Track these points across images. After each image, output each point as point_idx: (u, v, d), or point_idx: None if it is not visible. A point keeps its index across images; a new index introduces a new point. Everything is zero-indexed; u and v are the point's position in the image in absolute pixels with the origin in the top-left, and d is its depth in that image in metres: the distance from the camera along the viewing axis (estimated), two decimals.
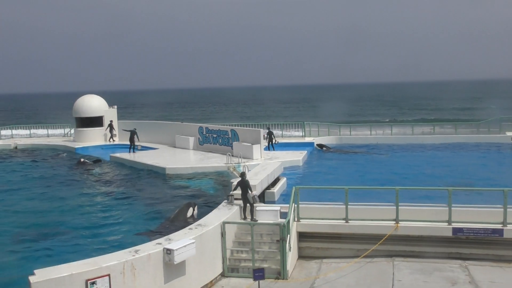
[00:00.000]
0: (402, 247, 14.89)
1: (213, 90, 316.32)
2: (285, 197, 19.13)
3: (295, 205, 15.31)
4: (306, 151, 30.33)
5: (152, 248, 11.64)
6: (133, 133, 33.21)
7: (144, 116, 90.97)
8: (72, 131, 41.74)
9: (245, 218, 15.51)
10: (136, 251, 11.38)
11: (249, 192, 15.33)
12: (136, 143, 33.22)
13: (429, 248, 14.76)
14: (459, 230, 14.45)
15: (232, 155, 27.02)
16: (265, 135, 30.96)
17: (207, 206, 17.95)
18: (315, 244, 15.57)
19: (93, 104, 39.50)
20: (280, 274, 13.73)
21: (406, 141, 36.23)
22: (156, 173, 26.26)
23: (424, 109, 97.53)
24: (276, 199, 19.28)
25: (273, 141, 32.00)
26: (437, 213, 14.88)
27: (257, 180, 17.73)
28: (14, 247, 15.43)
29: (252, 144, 27.50)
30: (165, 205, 19.65)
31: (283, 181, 21.31)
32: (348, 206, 15.09)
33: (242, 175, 15.94)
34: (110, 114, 39.52)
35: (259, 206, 15.88)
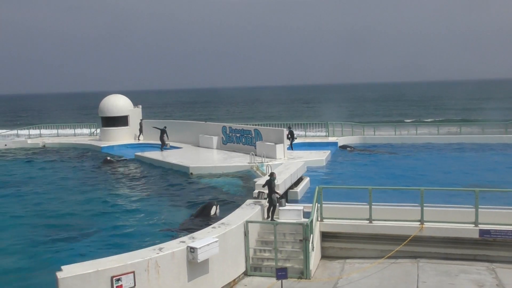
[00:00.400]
0: (427, 249, 14.68)
1: (217, 90, 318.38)
2: (308, 197, 19.07)
3: (318, 205, 15.25)
4: (329, 151, 30.16)
5: (176, 246, 11.74)
6: (163, 132, 33.59)
7: (168, 116, 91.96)
8: (98, 130, 42.45)
9: (267, 217, 15.53)
10: (160, 249, 11.49)
11: (274, 193, 15.32)
12: (166, 142, 33.59)
13: (455, 250, 14.52)
14: (486, 232, 14.16)
15: (255, 155, 27.05)
16: (288, 135, 30.95)
17: (230, 205, 18.02)
18: (338, 244, 15.48)
19: (118, 103, 40.07)
20: (303, 273, 13.68)
21: (431, 141, 35.71)
22: (180, 172, 26.48)
23: (450, 109, 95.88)
24: (299, 198, 19.25)
25: (293, 140, 31.87)
26: (463, 214, 14.62)
27: (280, 180, 17.71)
28: (41, 244, 15.78)
29: (276, 143, 27.48)
30: (189, 204, 19.81)
31: (306, 180, 21.25)
32: (372, 206, 14.96)
33: (271, 175, 15.92)
34: (135, 113, 40.07)
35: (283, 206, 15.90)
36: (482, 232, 14.18)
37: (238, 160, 27.53)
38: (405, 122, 58.30)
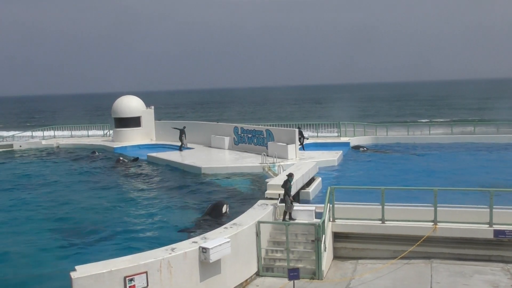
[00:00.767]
0: (440, 249, 14.55)
1: (226, 90, 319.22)
2: (320, 197, 19.02)
3: (330, 205, 15.20)
4: (341, 151, 30.05)
5: (188, 247, 11.78)
6: (182, 132, 33.63)
7: (180, 116, 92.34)
8: (111, 131, 42.79)
9: (283, 219, 15.43)
10: (172, 249, 11.54)
11: (287, 196, 15.28)
12: (184, 142, 33.61)
13: (469, 250, 14.37)
14: (501, 232, 13.99)
15: (267, 155, 27.05)
16: (299, 136, 30.86)
17: (242, 206, 18.03)
18: (350, 244, 15.41)
19: (131, 104, 40.35)
20: (315, 274, 13.65)
21: (444, 141, 35.42)
22: (192, 173, 26.57)
23: (463, 109, 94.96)
24: (311, 198, 19.21)
25: (302, 140, 31.77)
26: (477, 215, 14.46)
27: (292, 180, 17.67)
28: (55, 244, 15.95)
29: (287, 144, 27.46)
30: (200, 204, 19.86)
31: (318, 181, 21.20)
32: (385, 207, 14.87)
33: (289, 176, 15.84)
34: (147, 114, 40.30)
35: (295, 206, 15.86)
36: (497, 233, 14.02)
37: (250, 161, 27.55)
38: (418, 122, 57.90)
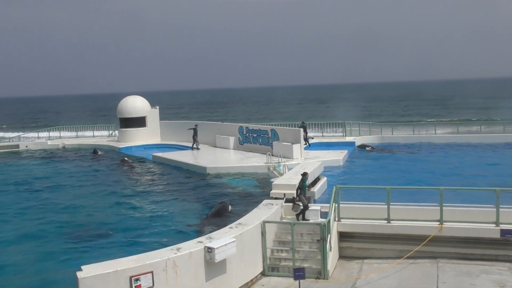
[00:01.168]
0: (446, 249, 14.48)
1: (230, 90, 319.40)
2: (325, 197, 18.98)
3: (336, 205, 15.16)
4: (346, 151, 30.00)
5: (193, 246, 11.78)
6: (195, 131, 33.59)
7: (185, 117, 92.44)
8: (116, 132, 42.90)
9: (303, 218, 15.36)
10: (178, 249, 11.55)
11: (302, 195, 15.21)
12: (196, 140, 33.51)
13: (475, 250, 14.29)
14: (508, 231, 13.90)
15: (272, 155, 27.04)
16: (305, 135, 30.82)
17: (247, 205, 18.04)
18: (356, 244, 15.36)
19: (136, 105, 40.46)
20: (321, 274, 13.62)
21: (450, 140, 35.25)
22: (197, 173, 26.61)
23: (469, 108, 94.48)
24: (316, 198, 19.14)
25: (306, 136, 31.66)
26: (484, 214, 14.39)
27: (297, 180, 17.65)
28: (61, 244, 16.01)
29: (292, 143, 27.44)
30: (206, 204, 19.90)
31: (323, 180, 21.14)
32: (390, 206, 14.82)
33: (304, 175, 15.77)
34: (152, 114, 40.38)
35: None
36: (504, 232, 13.93)
37: (255, 160, 27.55)
38: (423, 121, 57.67)
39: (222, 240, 12.06)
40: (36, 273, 13.64)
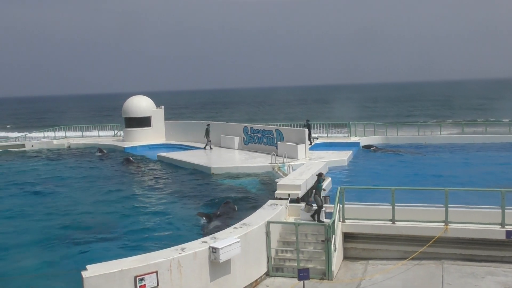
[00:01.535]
0: (452, 250, 14.44)
1: (231, 91, 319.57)
2: (330, 197, 18.93)
3: (340, 206, 15.14)
4: (351, 151, 29.95)
5: (198, 247, 11.80)
6: (207, 130, 33.53)
7: (189, 117, 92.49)
8: (121, 132, 43.02)
9: (318, 220, 15.24)
10: (182, 249, 11.57)
11: (317, 195, 15.17)
12: (208, 140, 33.26)
13: (480, 251, 14.24)
14: None
15: (277, 155, 27.03)
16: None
17: (251, 206, 18.04)
18: (360, 245, 15.34)
19: (141, 104, 40.56)
20: (325, 274, 13.61)
21: (455, 141, 35.14)
22: (202, 172, 26.63)
23: (474, 109, 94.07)
24: None
25: (311, 134, 31.52)
26: (489, 215, 14.33)
27: (301, 180, 17.67)
28: (66, 243, 16.05)
29: (297, 143, 27.42)
30: (210, 204, 19.90)
31: (328, 181, 21.12)
32: (395, 207, 14.79)
33: (319, 175, 15.68)
34: (157, 114, 40.47)
35: (303, 206, 15.82)
36: (509, 233, 13.87)
37: (259, 161, 27.55)
38: (429, 122, 57.47)
39: (227, 240, 12.07)
40: (41, 272, 13.68)
